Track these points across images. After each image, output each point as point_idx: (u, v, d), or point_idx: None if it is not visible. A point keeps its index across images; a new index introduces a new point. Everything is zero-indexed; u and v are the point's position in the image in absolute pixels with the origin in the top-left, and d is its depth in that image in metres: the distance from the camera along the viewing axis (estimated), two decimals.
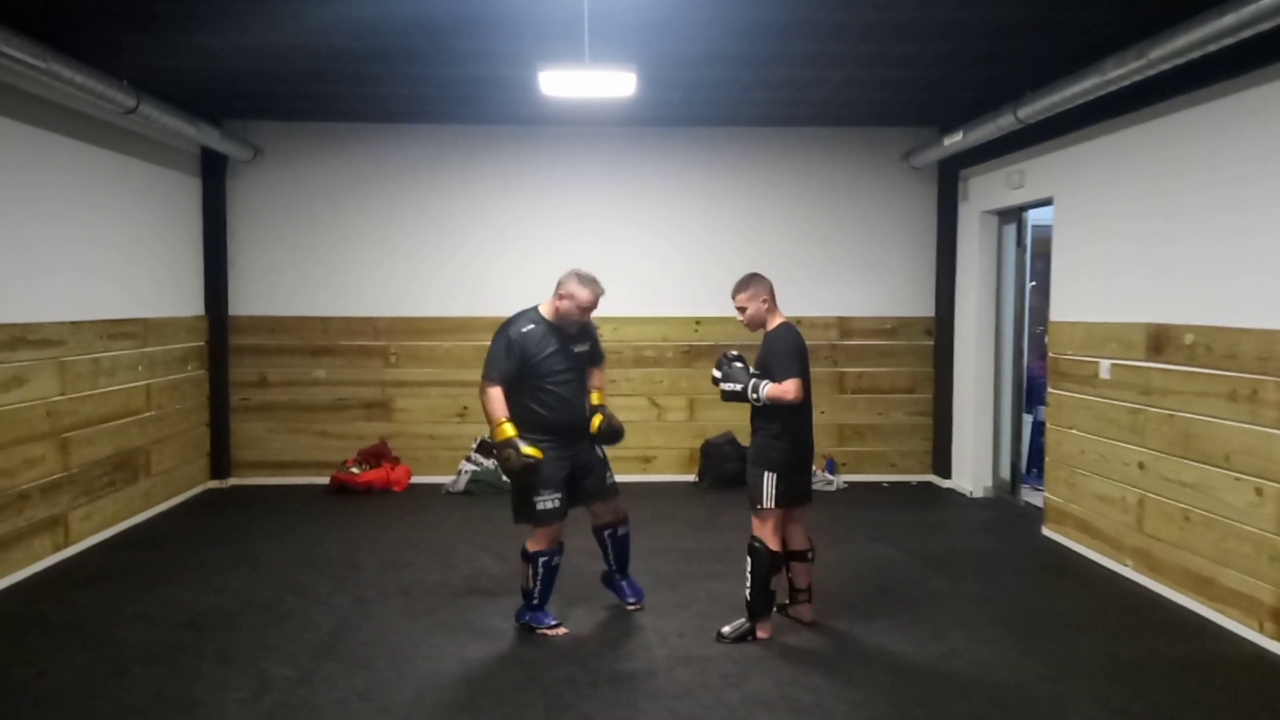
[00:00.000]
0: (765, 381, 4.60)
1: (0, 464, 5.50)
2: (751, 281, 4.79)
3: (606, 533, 5.11)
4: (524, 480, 4.69)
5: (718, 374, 4.79)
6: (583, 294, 4.75)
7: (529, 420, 4.72)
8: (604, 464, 5.03)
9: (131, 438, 6.96)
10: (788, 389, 4.53)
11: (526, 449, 4.59)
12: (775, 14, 5.19)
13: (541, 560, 4.78)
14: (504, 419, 4.64)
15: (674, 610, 5.16)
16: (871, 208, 8.64)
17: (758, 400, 4.61)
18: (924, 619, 5.06)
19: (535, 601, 4.85)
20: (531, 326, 4.78)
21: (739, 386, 4.67)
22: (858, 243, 8.67)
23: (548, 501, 4.72)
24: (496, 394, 4.68)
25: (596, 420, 4.95)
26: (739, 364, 4.76)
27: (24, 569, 5.71)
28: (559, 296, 4.79)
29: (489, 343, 4.85)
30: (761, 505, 4.67)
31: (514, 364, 4.70)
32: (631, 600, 5.19)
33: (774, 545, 4.67)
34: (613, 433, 4.99)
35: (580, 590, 5.39)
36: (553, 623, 4.87)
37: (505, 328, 4.80)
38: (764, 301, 4.75)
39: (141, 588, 5.53)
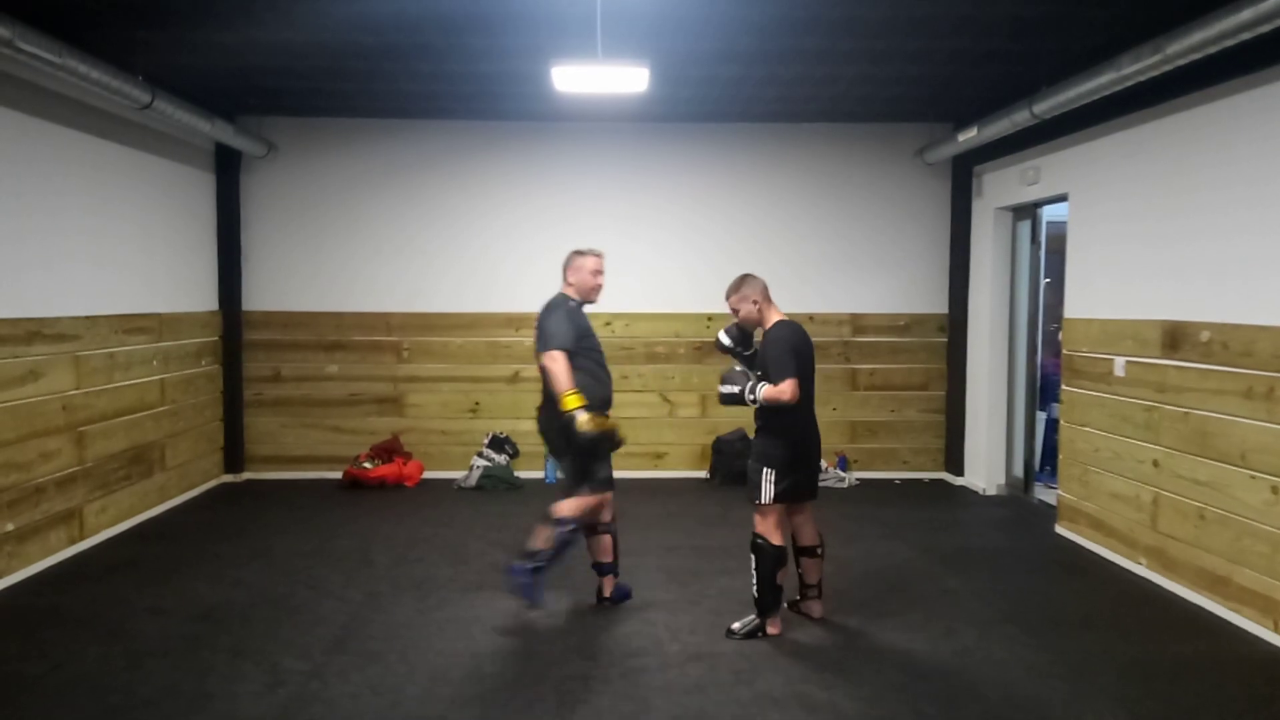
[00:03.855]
0: (762, 384, 4.59)
1: (16, 457, 5.54)
2: (742, 284, 4.81)
3: (613, 524, 5.12)
4: (603, 447, 4.82)
5: (724, 339, 4.84)
6: (589, 259, 5.02)
7: (585, 389, 4.81)
8: None
9: (146, 432, 7.00)
10: (784, 390, 4.50)
11: (609, 421, 4.80)
12: (788, 10, 5.17)
13: (570, 529, 4.84)
14: (574, 389, 4.73)
15: (685, 606, 5.16)
16: (885, 204, 8.61)
17: (755, 402, 4.61)
18: (936, 616, 5.05)
19: (539, 566, 4.79)
20: (574, 303, 4.99)
21: (737, 389, 4.67)
22: (871, 239, 8.64)
23: (609, 469, 4.90)
24: (566, 361, 4.76)
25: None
26: (738, 367, 4.77)
27: (39, 562, 5.75)
28: (572, 271, 5.01)
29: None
30: (759, 501, 4.67)
31: (575, 334, 4.84)
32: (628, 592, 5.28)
33: (777, 540, 4.66)
34: None
35: (593, 586, 5.38)
36: (540, 600, 4.87)
37: (557, 306, 4.94)
38: (754, 302, 4.76)
39: (156, 581, 5.56)
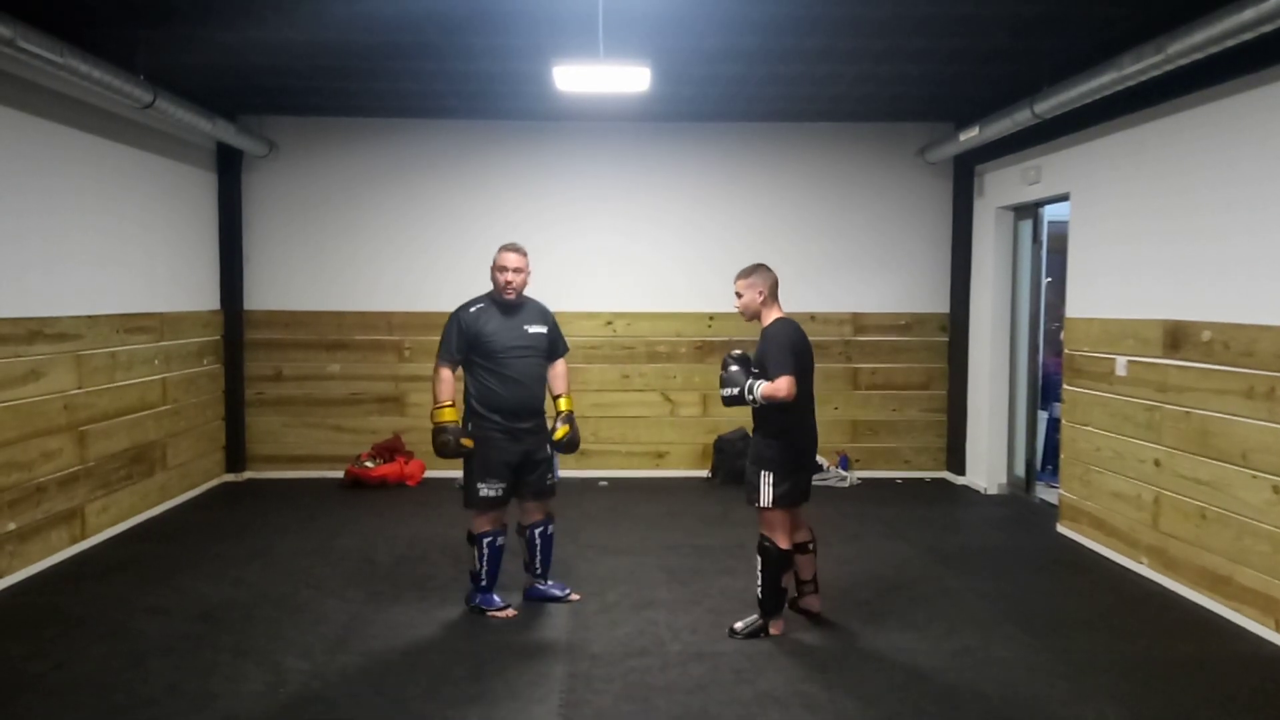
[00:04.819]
0: (760, 381, 4.56)
1: (18, 457, 5.55)
2: (754, 271, 4.77)
3: (536, 530, 5.15)
4: (467, 466, 4.90)
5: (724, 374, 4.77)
6: (501, 255, 4.98)
7: (483, 397, 4.88)
8: (549, 462, 5.13)
9: (148, 431, 7.01)
10: (780, 386, 4.48)
11: (464, 440, 4.80)
12: (790, 9, 5.17)
13: (486, 541, 4.93)
14: (447, 402, 4.82)
15: (686, 606, 5.16)
16: (886, 203, 8.61)
17: (754, 401, 4.59)
18: (937, 616, 5.05)
19: (483, 583, 4.98)
20: (480, 306, 5.00)
21: (736, 390, 4.65)
22: (872, 238, 8.64)
23: (490, 490, 4.90)
24: (445, 376, 4.89)
25: (562, 430, 5.05)
26: (735, 366, 4.71)
27: (41, 561, 5.76)
28: (490, 271, 5.02)
29: None
30: (759, 504, 4.65)
31: (463, 344, 4.89)
32: (567, 591, 5.26)
33: (784, 544, 4.66)
34: (573, 445, 5.14)
35: (594, 585, 5.41)
36: (501, 605, 4.99)
37: (455, 312, 5.00)
38: (760, 293, 4.71)
39: (157, 580, 5.57)
